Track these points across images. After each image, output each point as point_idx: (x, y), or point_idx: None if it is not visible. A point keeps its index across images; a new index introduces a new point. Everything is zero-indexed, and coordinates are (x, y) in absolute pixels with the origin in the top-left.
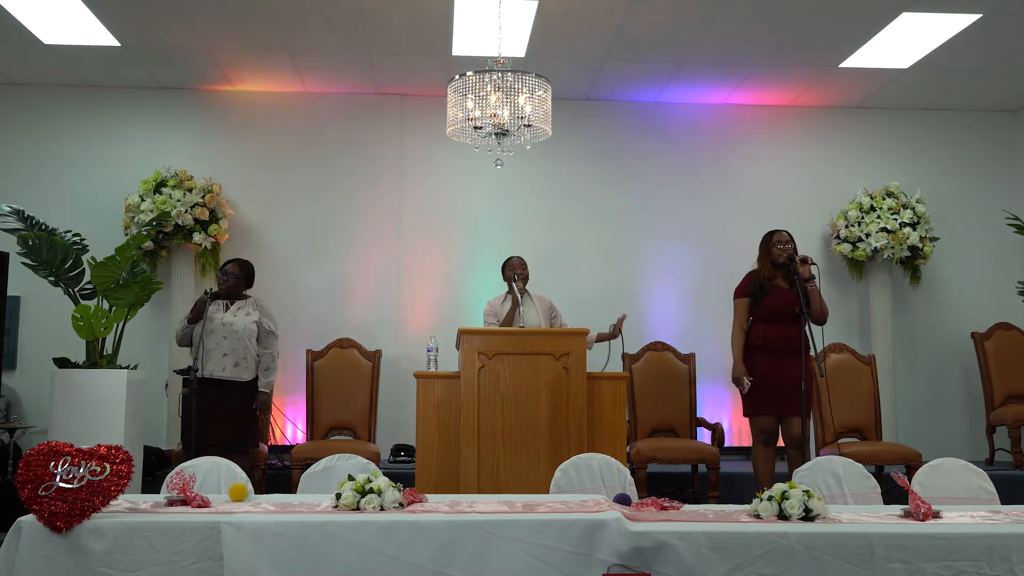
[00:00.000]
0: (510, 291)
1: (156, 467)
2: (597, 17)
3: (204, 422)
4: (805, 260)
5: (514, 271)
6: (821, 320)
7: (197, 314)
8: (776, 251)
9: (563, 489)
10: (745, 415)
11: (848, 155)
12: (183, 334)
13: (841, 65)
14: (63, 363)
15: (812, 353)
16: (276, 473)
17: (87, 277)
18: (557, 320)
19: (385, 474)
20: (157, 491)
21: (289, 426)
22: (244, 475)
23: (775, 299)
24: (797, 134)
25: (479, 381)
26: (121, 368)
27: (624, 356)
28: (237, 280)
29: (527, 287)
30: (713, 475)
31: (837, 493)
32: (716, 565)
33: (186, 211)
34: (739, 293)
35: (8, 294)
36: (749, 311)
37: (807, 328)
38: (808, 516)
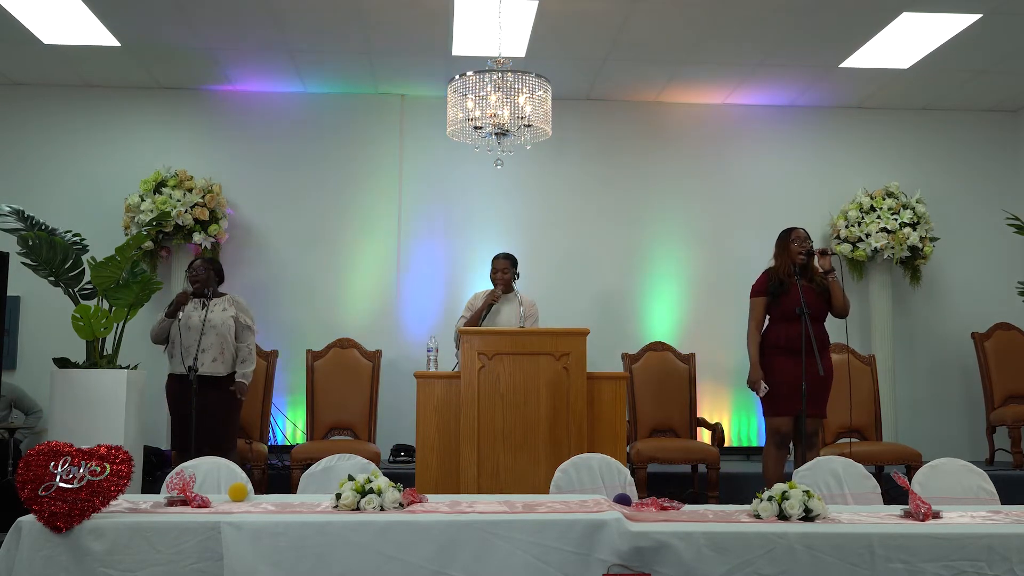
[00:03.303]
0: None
1: (156, 467)
2: (597, 17)
3: (183, 421)
4: (825, 252)
5: (495, 273)
6: (842, 314)
7: (176, 307)
8: (795, 248)
9: (563, 489)
10: (765, 415)
11: (848, 155)
12: (160, 329)
13: (841, 65)
14: (63, 363)
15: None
16: (276, 473)
17: (87, 277)
18: (529, 322)
19: (385, 474)
20: (157, 491)
21: (289, 426)
22: (244, 475)
23: (794, 297)
24: (797, 134)
25: (479, 381)
26: (121, 368)
27: (624, 356)
28: (207, 275)
29: (517, 286)
30: (713, 475)
31: (837, 493)
32: (716, 565)
33: (186, 211)
34: (756, 292)
35: (8, 294)
36: (766, 310)
37: (806, 327)
38: (808, 516)
